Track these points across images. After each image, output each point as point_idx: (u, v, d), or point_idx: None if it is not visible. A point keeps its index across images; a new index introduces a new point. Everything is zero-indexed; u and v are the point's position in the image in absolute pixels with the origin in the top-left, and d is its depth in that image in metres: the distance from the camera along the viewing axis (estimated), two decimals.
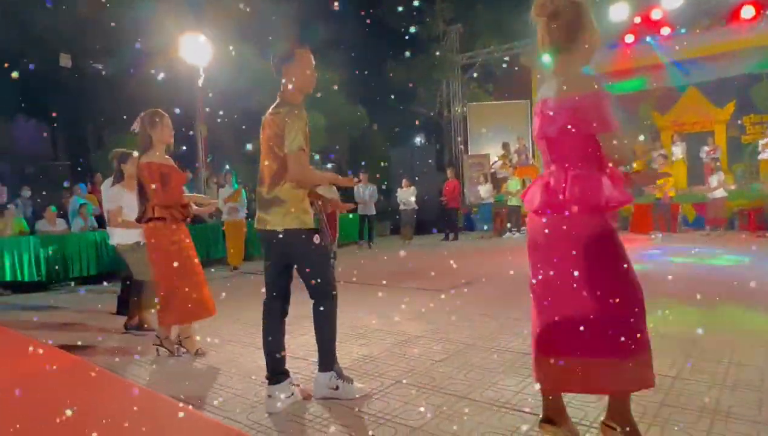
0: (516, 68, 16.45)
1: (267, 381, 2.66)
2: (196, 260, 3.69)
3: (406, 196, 12.46)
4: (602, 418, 2.06)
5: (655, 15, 12.36)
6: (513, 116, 16.46)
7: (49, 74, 14.35)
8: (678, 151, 12.55)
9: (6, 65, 12.40)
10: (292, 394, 2.69)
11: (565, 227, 1.93)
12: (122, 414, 2.18)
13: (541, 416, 2.11)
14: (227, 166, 12.80)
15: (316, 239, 2.64)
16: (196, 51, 10.72)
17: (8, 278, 7.18)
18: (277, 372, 2.67)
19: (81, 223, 8.48)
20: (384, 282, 6.17)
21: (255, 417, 2.51)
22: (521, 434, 2.20)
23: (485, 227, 12.50)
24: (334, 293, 2.70)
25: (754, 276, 5.34)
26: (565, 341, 1.95)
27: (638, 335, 1.89)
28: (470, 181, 15.20)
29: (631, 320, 1.90)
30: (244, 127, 15.85)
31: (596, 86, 1.90)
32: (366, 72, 16.45)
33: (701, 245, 8.56)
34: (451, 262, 7.51)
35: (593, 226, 1.91)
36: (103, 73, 14.52)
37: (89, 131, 17.79)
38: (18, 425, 1.84)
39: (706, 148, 11.95)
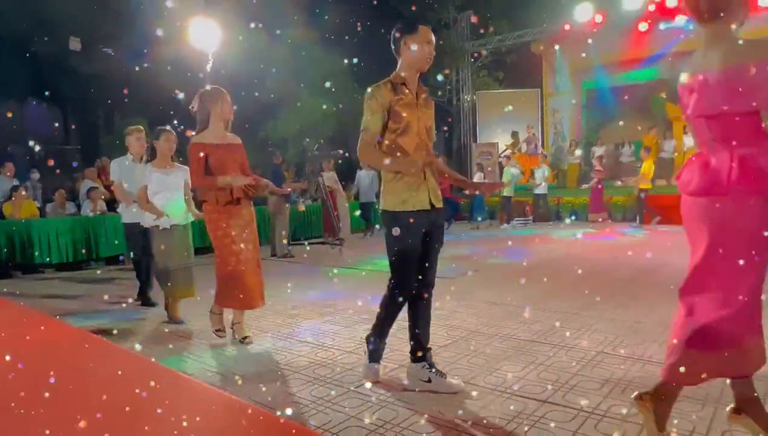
0: (527, 56, 16.29)
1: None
2: (247, 246, 3.45)
3: None
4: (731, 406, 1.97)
5: (670, 2, 12.13)
6: (523, 105, 16.32)
7: (59, 58, 14.40)
8: (690, 141, 12.42)
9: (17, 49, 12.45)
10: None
11: (728, 212, 1.74)
12: (137, 390, 2.21)
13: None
14: None
15: (395, 231, 2.56)
16: (205, 36, 10.71)
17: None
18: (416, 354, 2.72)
19: (90, 206, 8.53)
20: (388, 268, 6.17)
21: (260, 398, 2.54)
22: (523, 419, 2.21)
23: (479, 218, 12.35)
24: (397, 291, 2.72)
25: None
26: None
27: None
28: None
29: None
30: (253, 113, 15.82)
31: None
32: (375, 58, 16.33)
33: None
34: (455, 250, 7.49)
35: (761, 213, 1.71)
36: (113, 57, 14.55)
37: (99, 115, 17.87)
38: (67, 412, 1.88)
39: None
